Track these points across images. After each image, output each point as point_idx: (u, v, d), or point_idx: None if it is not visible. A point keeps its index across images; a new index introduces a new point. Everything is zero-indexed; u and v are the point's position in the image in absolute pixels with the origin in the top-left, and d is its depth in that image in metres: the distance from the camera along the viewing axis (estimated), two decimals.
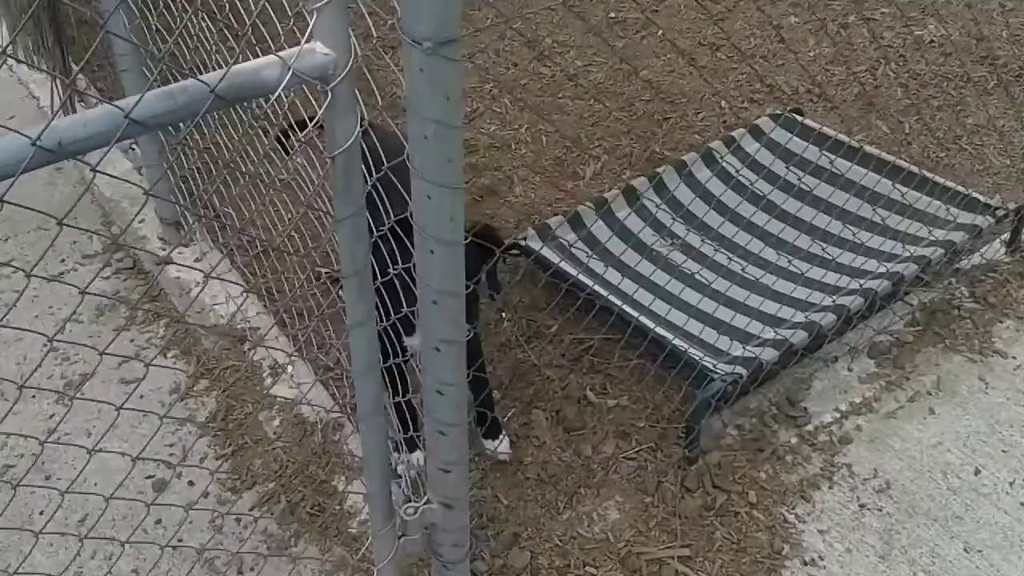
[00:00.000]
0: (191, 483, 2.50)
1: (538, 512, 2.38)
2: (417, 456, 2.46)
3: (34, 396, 2.73)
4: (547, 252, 2.92)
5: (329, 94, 1.29)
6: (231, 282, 2.91)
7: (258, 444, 2.55)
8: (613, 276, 2.87)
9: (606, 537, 2.31)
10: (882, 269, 2.84)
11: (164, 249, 3.10)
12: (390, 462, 1.82)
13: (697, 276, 2.91)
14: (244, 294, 2.90)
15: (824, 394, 2.68)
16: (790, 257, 2.94)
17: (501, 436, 2.49)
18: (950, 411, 2.61)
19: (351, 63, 1.28)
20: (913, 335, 2.85)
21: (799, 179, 3.16)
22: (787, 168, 3.25)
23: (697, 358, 2.51)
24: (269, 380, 2.68)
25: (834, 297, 2.74)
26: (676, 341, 2.57)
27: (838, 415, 2.62)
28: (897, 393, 2.67)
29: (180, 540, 2.32)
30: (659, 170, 3.26)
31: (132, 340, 2.89)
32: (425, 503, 1.92)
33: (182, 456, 2.54)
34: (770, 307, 2.78)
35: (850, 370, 2.76)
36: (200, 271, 2.89)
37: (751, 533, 2.31)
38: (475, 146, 3.71)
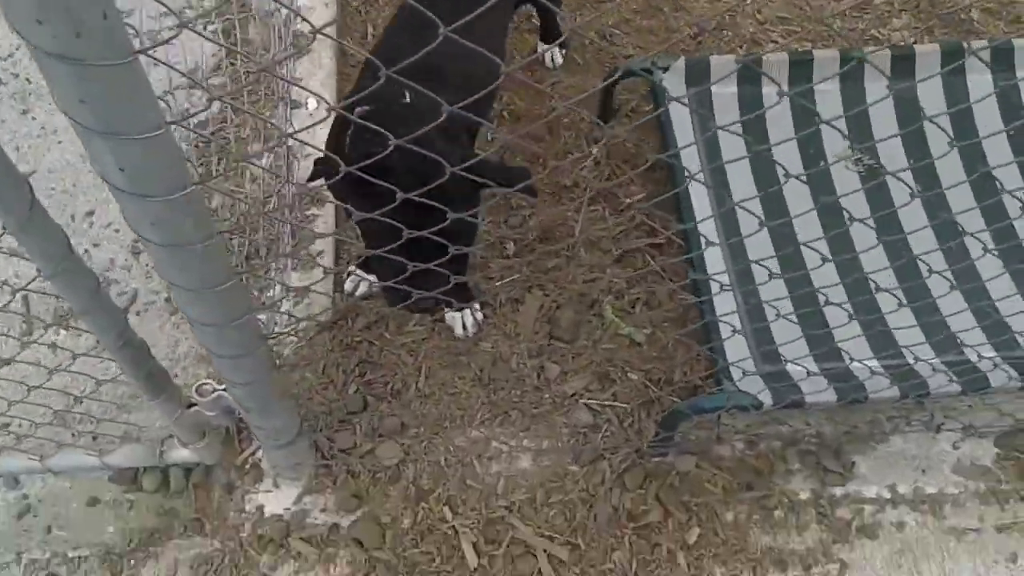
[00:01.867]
0: None
1: (449, 413, 1.95)
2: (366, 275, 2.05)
3: None
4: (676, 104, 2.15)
5: None
6: None
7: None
8: (738, 176, 2.06)
9: (494, 485, 1.87)
10: None
11: None
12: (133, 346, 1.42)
13: (848, 231, 1.95)
14: None
15: (893, 460, 1.93)
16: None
17: (468, 309, 2.00)
18: None
19: None
20: None
21: None
22: None
23: (727, 360, 1.76)
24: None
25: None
26: (723, 323, 1.79)
27: (888, 495, 1.89)
28: (990, 511, 1.87)
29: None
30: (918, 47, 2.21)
31: None
32: (225, 388, 1.56)
33: None
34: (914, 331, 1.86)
35: (955, 448, 1.95)
36: None
37: None
38: None
